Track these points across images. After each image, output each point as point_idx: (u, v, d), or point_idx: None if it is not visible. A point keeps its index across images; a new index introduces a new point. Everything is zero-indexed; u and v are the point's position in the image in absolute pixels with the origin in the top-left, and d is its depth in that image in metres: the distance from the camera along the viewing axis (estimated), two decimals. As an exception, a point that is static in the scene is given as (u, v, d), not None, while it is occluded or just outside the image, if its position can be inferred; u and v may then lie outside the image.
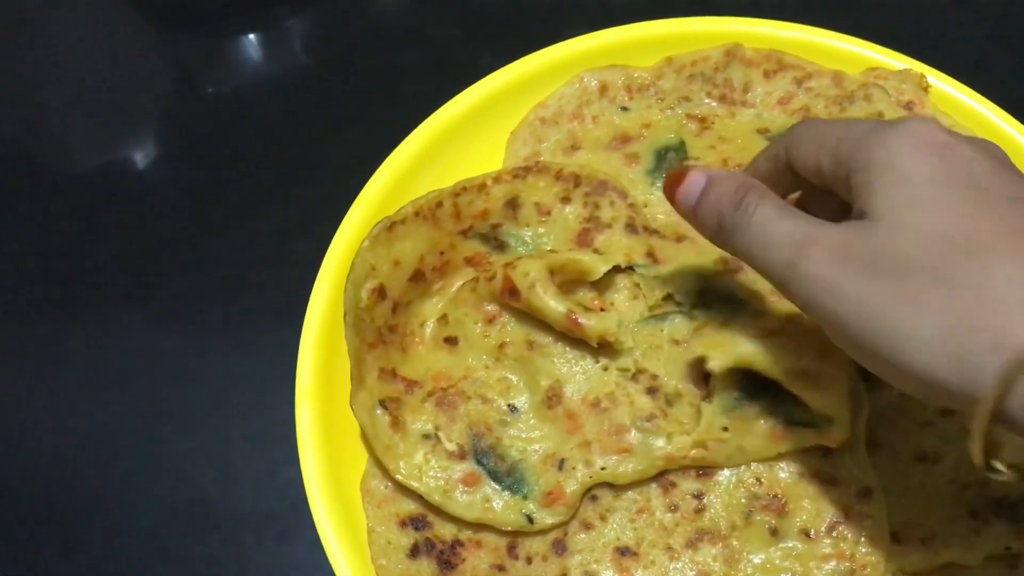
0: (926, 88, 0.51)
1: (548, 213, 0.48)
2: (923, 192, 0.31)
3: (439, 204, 0.47)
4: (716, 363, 0.41)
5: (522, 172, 0.48)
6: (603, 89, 0.52)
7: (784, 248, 0.33)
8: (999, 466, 0.30)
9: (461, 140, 0.51)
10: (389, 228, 0.45)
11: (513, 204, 0.48)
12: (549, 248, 0.48)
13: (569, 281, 0.45)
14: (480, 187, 0.48)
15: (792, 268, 0.33)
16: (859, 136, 0.34)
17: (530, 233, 0.48)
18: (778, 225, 0.34)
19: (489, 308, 0.46)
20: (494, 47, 0.64)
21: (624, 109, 0.52)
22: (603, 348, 0.44)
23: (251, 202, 0.58)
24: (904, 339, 0.30)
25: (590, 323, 0.43)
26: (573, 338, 0.44)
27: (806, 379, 0.40)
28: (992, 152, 0.33)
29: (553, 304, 0.43)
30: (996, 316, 0.28)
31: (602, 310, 0.44)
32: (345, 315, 0.44)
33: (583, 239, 0.48)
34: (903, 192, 0.31)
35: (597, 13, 0.68)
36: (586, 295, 0.46)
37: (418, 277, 0.46)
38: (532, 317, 0.45)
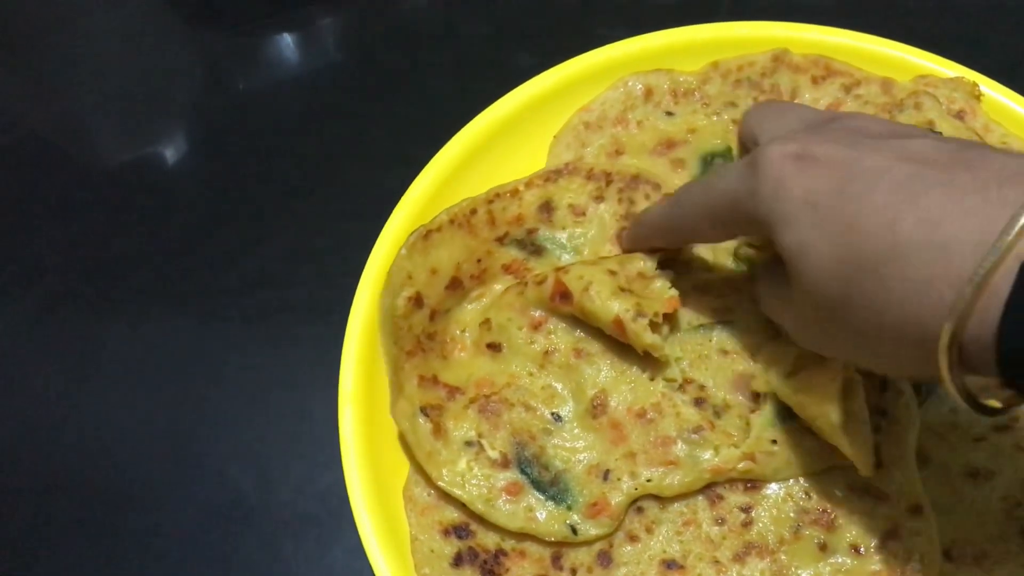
0: (978, 96, 0.50)
1: (583, 213, 0.48)
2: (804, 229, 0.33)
3: (473, 211, 0.46)
4: (759, 383, 0.41)
5: (553, 175, 0.48)
6: (648, 93, 0.52)
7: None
8: (991, 403, 0.30)
9: (504, 144, 0.51)
10: (425, 236, 0.45)
11: (547, 207, 0.48)
12: (587, 249, 0.47)
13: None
14: (513, 193, 0.48)
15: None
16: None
17: (566, 235, 0.48)
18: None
19: (536, 314, 0.45)
20: (525, 46, 0.64)
21: (669, 114, 0.51)
22: (650, 357, 0.43)
23: (280, 198, 0.58)
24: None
25: (638, 329, 0.42)
26: (621, 347, 0.44)
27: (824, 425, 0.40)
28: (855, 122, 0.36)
29: (607, 307, 0.42)
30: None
31: (665, 316, 0.43)
32: (381, 323, 0.43)
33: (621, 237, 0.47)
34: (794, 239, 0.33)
35: (630, 12, 0.67)
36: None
37: (455, 285, 0.46)
38: (581, 324, 0.45)
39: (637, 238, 0.46)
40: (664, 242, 0.44)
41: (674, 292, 0.43)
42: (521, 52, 0.64)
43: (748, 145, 0.45)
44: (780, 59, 0.52)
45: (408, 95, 0.63)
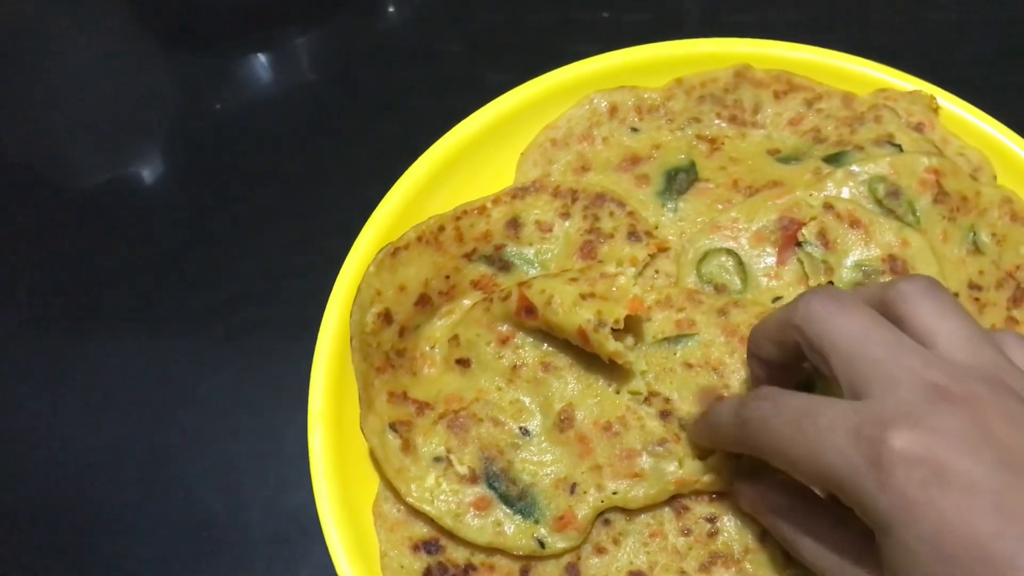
0: (936, 109, 0.51)
1: (550, 229, 0.49)
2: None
3: (441, 228, 0.47)
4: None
5: (520, 192, 0.49)
6: (613, 110, 0.53)
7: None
8: None
9: (472, 161, 0.52)
10: (393, 254, 0.45)
11: (514, 224, 0.48)
12: (553, 264, 0.48)
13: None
14: (480, 210, 0.48)
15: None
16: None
17: (533, 251, 0.49)
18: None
19: (503, 329, 0.46)
20: (500, 64, 0.65)
21: (634, 130, 0.52)
22: (616, 369, 0.44)
23: (258, 218, 0.59)
24: None
25: (601, 339, 0.42)
26: (588, 359, 0.44)
27: None
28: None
29: (570, 318, 0.43)
30: None
31: (631, 319, 0.43)
32: (351, 340, 0.44)
33: (586, 251, 0.48)
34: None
35: (602, 31, 0.68)
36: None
37: (424, 301, 0.47)
38: (548, 338, 0.45)
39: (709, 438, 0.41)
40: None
41: (637, 290, 0.44)
42: (497, 69, 0.65)
43: (811, 357, 0.35)
44: (742, 75, 0.52)
45: (386, 113, 0.63)
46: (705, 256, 0.47)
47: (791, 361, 0.37)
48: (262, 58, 0.69)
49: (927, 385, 0.30)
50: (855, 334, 0.32)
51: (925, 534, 0.27)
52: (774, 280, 0.46)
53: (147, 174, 0.63)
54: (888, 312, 0.34)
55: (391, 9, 0.72)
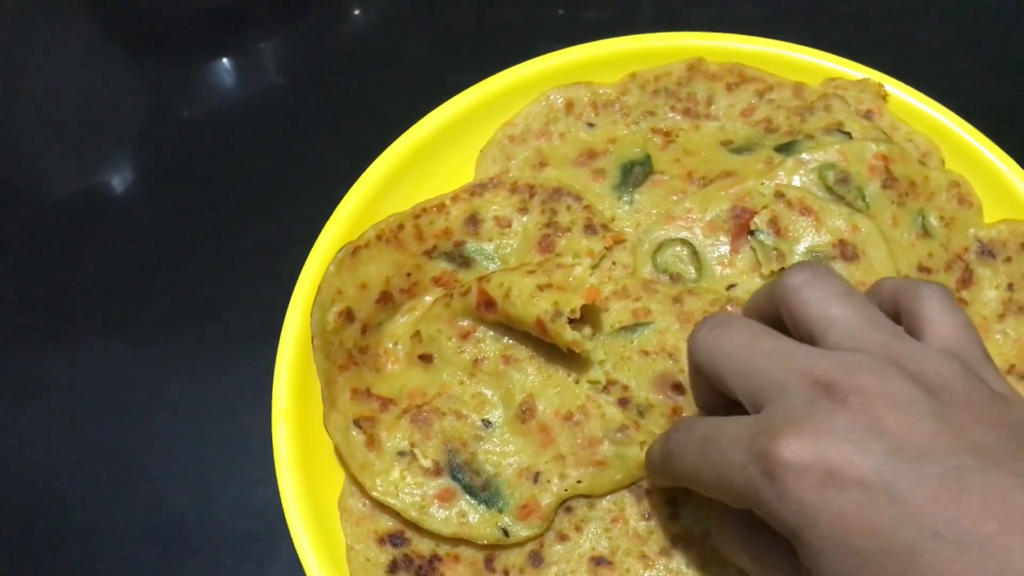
0: (884, 97, 0.52)
1: (508, 225, 0.50)
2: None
3: (401, 226, 0.48)
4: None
5: (479, 189, 0.50)
6: (569, 106, 0.53)
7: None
8: None
9: (431, 160, 0.52)
10: (353, 253, 0.46)
11: (474, 220, 0.49)
12: (513, 259, 0.49)
13: None
14: (439, 207, 0.49)
15: None
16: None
17: (493, 246, 0.50)
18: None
19: (463, 323, 0.47)
20: (467, 64, 0.65)
21: (590, 125, 0.53)
22: (575, 359, 0.45)
23: (230, 222, 0.59)
24: None
25: (558, 328, 0.43)
26: (548, 349, 0.45)
27: None
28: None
29: (527, 310, 0.44)
30: None
31: (588, 308, 0.44)
32: (313, 339, 0.44)
33: (545, 245, 0.48)
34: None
35: (566, 28, 0.69)
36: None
37: (386, 299, 0.47)
38: (509, 331, 0.46)
39: (650, 477, 0.41)
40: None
41: (594, 280, 0.45)
42: (463, 69, 0.65)
43: (718, 386, 0.35)
44: (695, 68, 0.53)
45: (355, 115, 0.64)
46: (660, 247, 0.48)
47: (723, 395, 0.35)
48: (227, 63, 0.69)
49: (813, 384, 0.30)
50: (739, 349, 0.33)
51: (828, 534, 0.28)
52: (728, 268, 0.47)
53: (117, 182, 0.63)
54: (780, 310, 0.34)
55: (357, 12, 0.73)
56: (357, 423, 0.44)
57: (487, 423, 0.45)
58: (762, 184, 0.48)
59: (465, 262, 0.49)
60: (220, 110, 0.66)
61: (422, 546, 0.43)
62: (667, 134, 0.52)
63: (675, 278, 0.47)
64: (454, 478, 0.44)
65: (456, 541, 0.43)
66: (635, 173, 0.51)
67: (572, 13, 0.69)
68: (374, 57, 0.68)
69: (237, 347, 0.54)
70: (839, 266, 0.46)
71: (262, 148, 0.63)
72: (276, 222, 0.58)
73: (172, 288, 0.56)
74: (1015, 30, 0.67)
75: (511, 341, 0.46)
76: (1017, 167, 0.50)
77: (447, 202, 0.49)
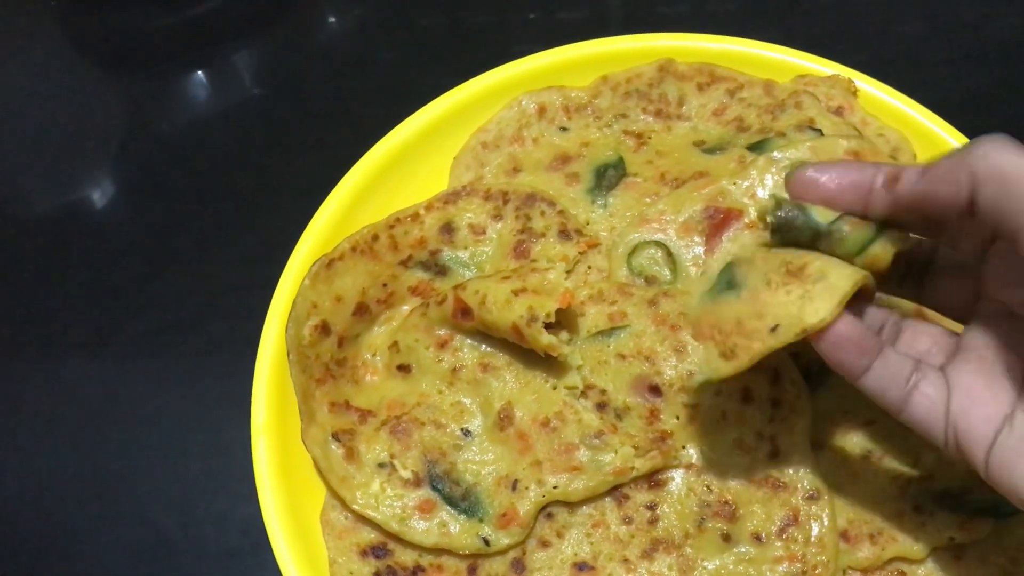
0: (854, 92, 0.53)
1: (483, 232, 0.50)
2: None
3: (375, 237, 0.48)
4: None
5: (452, 197, 0.50)
6: (541, 111, 0.53)
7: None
8: None
9: (406, 168, 0.52)
10: (328, 265, 0.46)
11: (448, 228, 0.49)
12: (488, 266, 0.49)
13: None
14: (413, 216, 0.49)
15: None
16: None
17: (468, 253, 0.50)
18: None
19: (441, 332, 0.47)
20: (442, 67, 0.66)
21: (563, 129, 0.53)
22: (553, 364, 0.45)
23: (212, 234, 0.59)
24: None
25: (534, 332, 0.43)
26: (526, 356, 0.45)
27: None
28: None
29: (503, 316, 0.44)
30: None
31: (563, 312, 0.44)
32: (288, 354, 0.44)
33: (520, 251, 0.49)
34: None
35: (541, 30, 0.69)
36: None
37: (362, 310, 0.47)
38: (486, 338, 0.46)
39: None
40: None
41: (569, 284, 0.45)
42: (439, 72, 0.65)
43: (987, 218, 0.31)
44: (666, 69, 0.53)
45: (334, 123, 0.64)
46: (635, 249, 0.48)
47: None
48: (202, 76, 0.69)
49: None
50: None
51: None
52: (703, 269, 0.47)
53: (98, 197, 0.63)
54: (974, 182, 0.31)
55: (332, 20, 0.73)
56: (336, 436, 0.44)
57: (466, 432, 0.45)
58: (735, 184, 0.48)
59: (441, 271, 0.49)
60: (197, 122, 0.66)
61: (405, 557, 0.43)
62: (639, 136, 0.52)
63: (650, 280, 0.47)
64: (434, 488, 0.44)
65: (438, 551, 0.43)
66: (609, 176, 0.51)
67: (545, 15, 0.69)
68: (350, 63, 0.68)
69: (220, 359, 0.54)
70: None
71: (241, 159, 0.62)
72: (257, 232, 0.58)
73: (155, 302, 0.56)
74: (991, 18, 0.67)
75: (489, 349, 0.46)
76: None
77: (421, 211, 0.49)
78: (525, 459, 0.44)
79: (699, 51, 0.54)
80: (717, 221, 0.48)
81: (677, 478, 0.43)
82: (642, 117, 0.53)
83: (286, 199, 0.59)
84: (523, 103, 0.53)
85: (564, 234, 0.48)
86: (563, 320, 0.45)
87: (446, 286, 0.48)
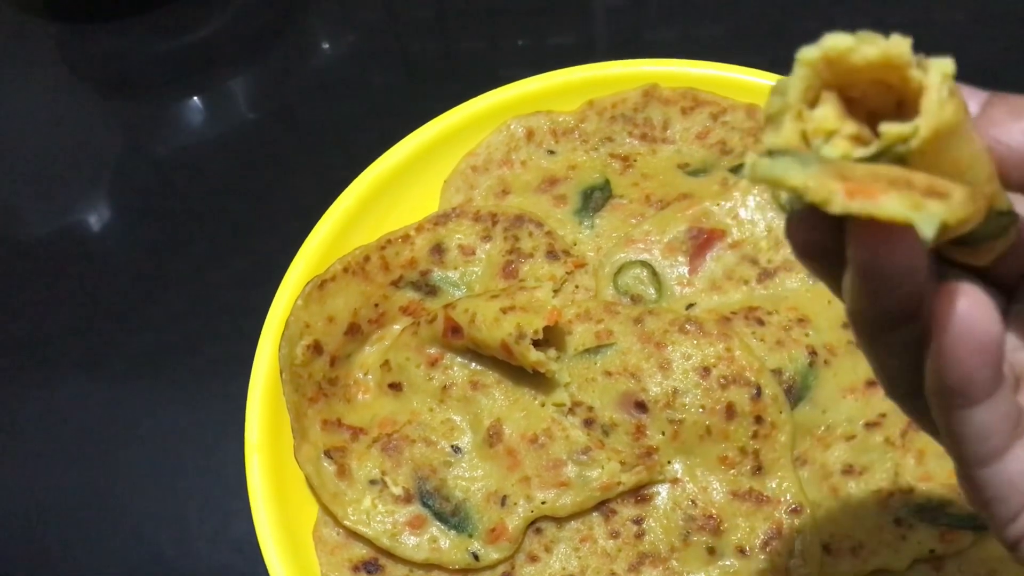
0: (834, 116, 0.54)
1: (473, 252, 0.51)
2: None
3: (367, 259, 0.49)
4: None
5: (442, 219, 0.51)
6: (530, 135, 0.55)
7: None
8: None
9: (397, 191, 0.53)
10: (320, 286, 0.47)
11: (438, 249, 0.50)
12: (478, 286, 0.50)
13: None
14: (404, 238, 0.50)
15: None
16: None
17: (458, 274, 0.51)
18: None
19: (431, 351, 0.48)
20: (434, 92, 0.67)
21: (551, 152, 0.54)
22: (542, 381, 0.46)
23: (206, 257, 0.60)
24: None
25: (522, 350, 0.44)
26: (515, 373, 0.46)
27: None
28: None
29: (492, 334, 0.45)
30: None
31: (550, 329, 0.45)
32: (281, 373, 0.45)
33: (509, 271, 0.50)
34: None
35: (530, 56, 0.70)
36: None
37: (354, 330, 0.48)
38: (476, 357, 0.47)
39: None
40: None
41: (556, 302, 0.46)
42: (431, 97, 0.67)
43: None
44: (650, 94, 0.55)
45: (326, 146, 0.65)
46: (621, 269, 0.49)
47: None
48: (197, 101, 0.70)
49: None
50: None
51: None
52: (687, 288, 0.48)
53: (94, 221, 0.64)
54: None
55: (325, 45, 0.74)
56: (328, 454, 0.45)
57: (456, 449, 0.46)
58: (718, 205, 0.49)
59: (431, 291, 0.50)
60: (193, 146, 0.67)
61: (396, 572, 0.44)
62: (625, 159, 0.54)
63: (636, 299, 0.48)
64: (424, 505, 0.44)
65: (429, 566, 0.44)
66: (595, 198, 0.52)
67: (534, 41, 0.71)
68: (343, 88, 0.70)
69: (215, 379, 0.54)
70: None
71: (235, 183, 0.64)
72: (252, 255, 0.59)
73: (150, 324, 0.57)
74: (972, 40, 0.69)
75: (479, 367, 0.47)
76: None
77: (412, 233, 0.51)
78: (514, 475, 0.45)
79: (683, 76, 0.56)
80: (701, 241, 0.49)
81: (663, 493, 0.44)
82: (628, 140, 0.55)
83: (280, 222, 0.60)
84: (512, 127, 0.55)
85: (552, 254, 0.50)
86: (551, 338, 0.46)
87: (436, 305, 0.49)
